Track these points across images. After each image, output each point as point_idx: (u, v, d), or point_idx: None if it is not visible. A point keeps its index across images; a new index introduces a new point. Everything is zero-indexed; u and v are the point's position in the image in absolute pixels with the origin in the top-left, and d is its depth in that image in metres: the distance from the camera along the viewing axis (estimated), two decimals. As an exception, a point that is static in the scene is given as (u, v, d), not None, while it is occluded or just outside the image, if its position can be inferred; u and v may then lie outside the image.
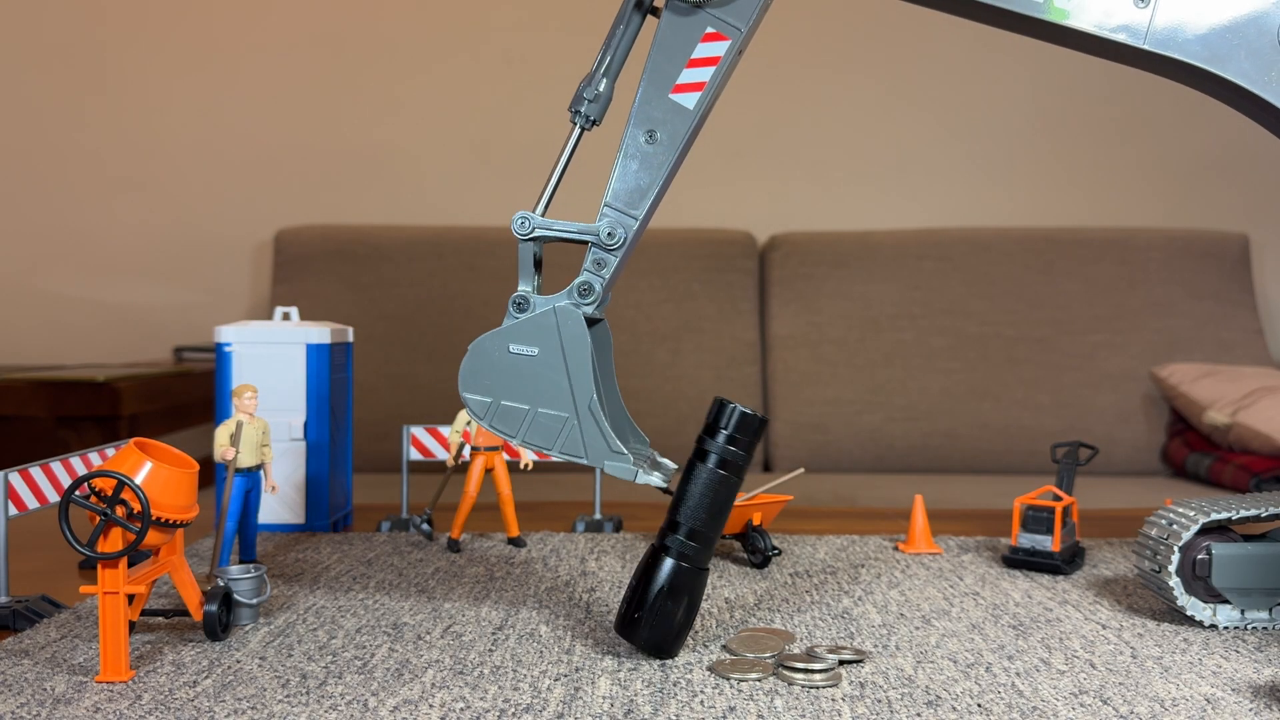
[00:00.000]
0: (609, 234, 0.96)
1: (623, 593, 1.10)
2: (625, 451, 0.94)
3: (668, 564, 0.90)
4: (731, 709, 0.79)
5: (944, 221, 3.06)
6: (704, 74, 0.97)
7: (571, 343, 0.95)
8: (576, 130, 1.00)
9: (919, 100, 3.16)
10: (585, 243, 0.97)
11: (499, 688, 0.83)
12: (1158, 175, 3.18)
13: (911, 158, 3.20)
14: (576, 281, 0.97)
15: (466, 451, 1.30)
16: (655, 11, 0.99)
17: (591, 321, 1.00)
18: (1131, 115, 3.16)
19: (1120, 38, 0.96)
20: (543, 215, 0.98)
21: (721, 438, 0.92)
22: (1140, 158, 3.18)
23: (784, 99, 3.17)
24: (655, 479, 0.96)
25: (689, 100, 0.97)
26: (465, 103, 3.19)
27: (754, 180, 3.20)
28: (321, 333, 1.39)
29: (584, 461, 0.95)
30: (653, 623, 0.89)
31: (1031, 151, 3.19)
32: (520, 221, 0.97)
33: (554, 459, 0.97)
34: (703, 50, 0.97)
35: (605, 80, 0.99)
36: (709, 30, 0.96)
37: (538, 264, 0.99)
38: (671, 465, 1.04)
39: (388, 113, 3.21)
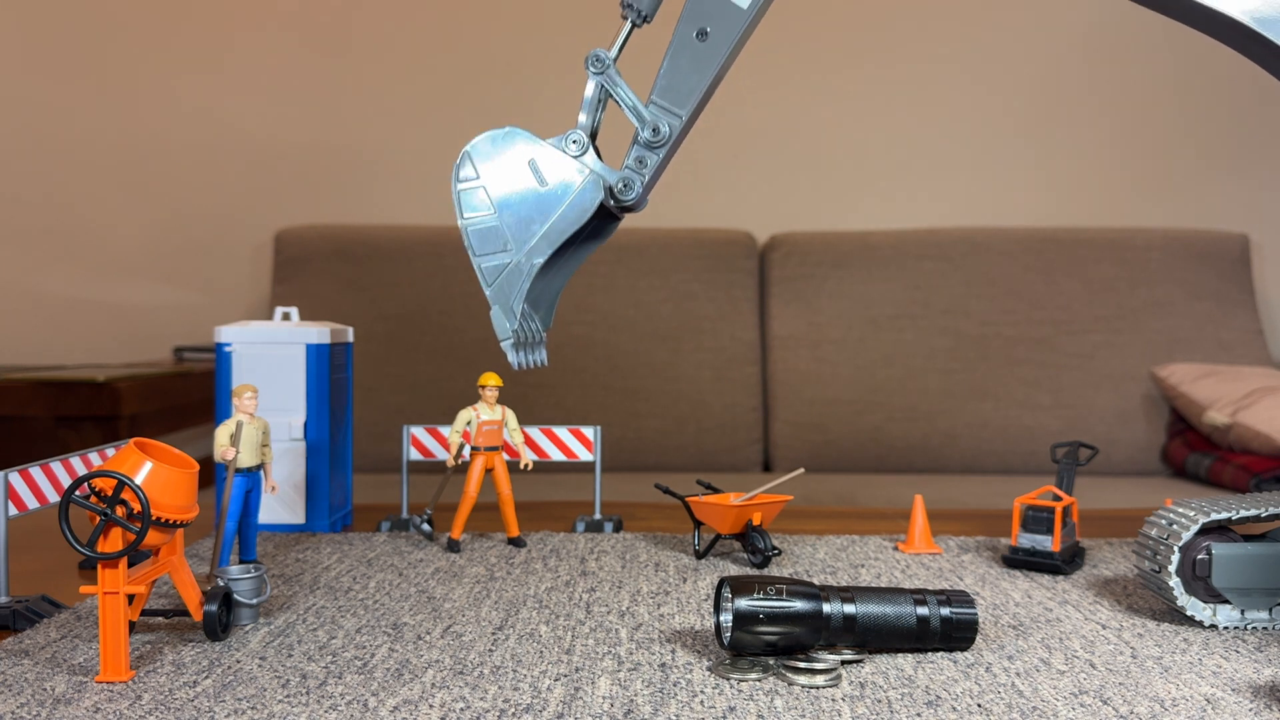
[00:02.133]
0: (654, 129, 0.95)
1: (622, 592, 1.10)
2: (516, 317, 0.97)
3: None
4: (731, 709, 0.79)
5: (944, 221, 3.06)
6: None
7: (572, 209, 0.95)
8: (627, 26, 0.98)
9: (919, 100, 3.16)
10: (633, 122, 0.96)
11: (499, 688, 0.83)
12: (1158, 175, 3.18)
13: (911, 158, 3.20)
14: (618, 175, 0.96)
15: (466, 452, 1.30)
16: None
17: (610, 214, 0.99)
18: (1132, 115, 3.16)
19: None
20: (614, 60, 0.97)
21: None
22: (1140, 158, 3.18)
23: (784, 99, 3.17)
24: (513, 355, 0.98)
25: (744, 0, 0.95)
26: (465, 103, 3.19)
27: (754, 180, 3.20)
28: (321, 333, 1.39)
29: (484, 289, 0.97)
30: None
31: (1031, 151, 3.19)
32: (594, 60, 0.96)
33: (473, 264, 0.97)
34: None
35: None
36: None
37: (603, 104, 0.98)
38: (544, 359, 1.05)
39: (388, 113, 3.21)
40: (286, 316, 1.42)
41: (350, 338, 1.48)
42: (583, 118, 0.97)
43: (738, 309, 2.89)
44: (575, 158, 0.96)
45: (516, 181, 0.95)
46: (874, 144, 3.20)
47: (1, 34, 3.20)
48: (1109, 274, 2.86)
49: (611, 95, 0.97)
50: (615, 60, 0.98)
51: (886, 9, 3.17)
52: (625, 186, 0.96)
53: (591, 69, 0.97)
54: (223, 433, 1.14)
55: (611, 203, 0.97)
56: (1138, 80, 3.16)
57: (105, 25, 3.20)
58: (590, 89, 0.97)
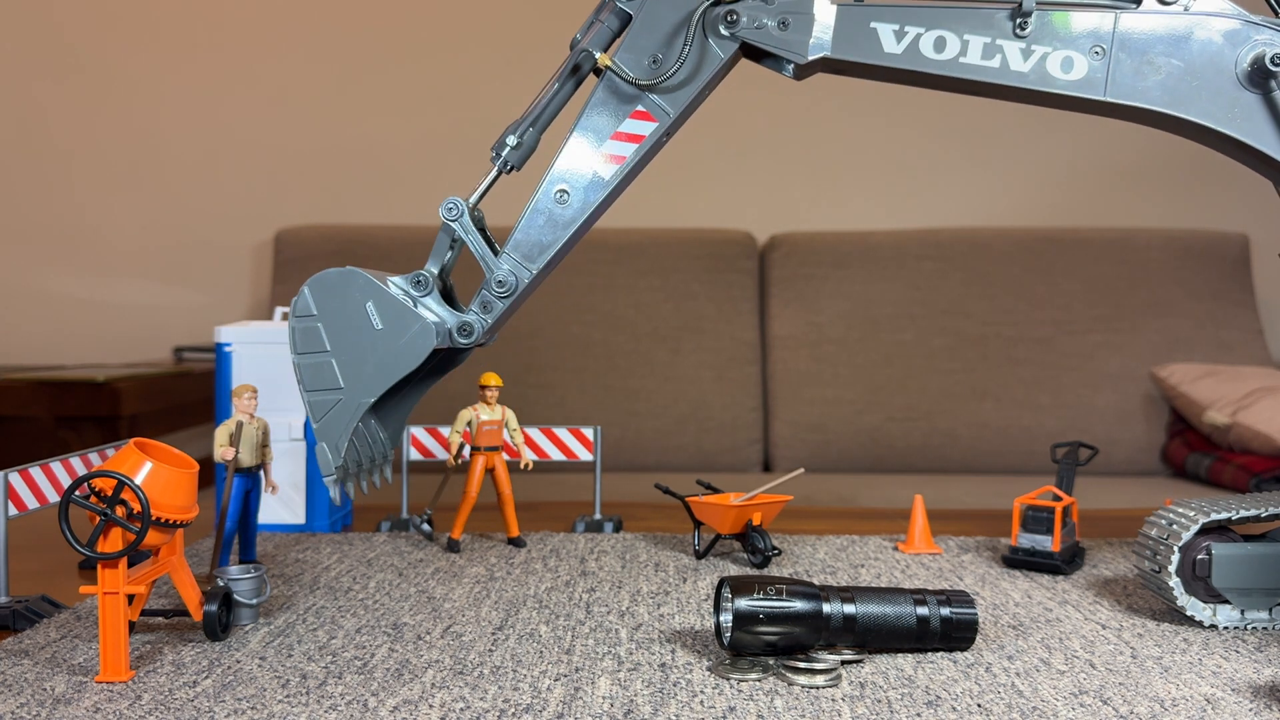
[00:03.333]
0: (500, 282, 0.98)
1: (622, 592, 1.10)
2: (341, 456, 0.97)
3: None
4: (731, 709, 0.79)
5: (944, 221, 3.06)
6: (626, 148, 0.99)
7: (402, 355, 0.97)
8: (494, 171, 1.01)
9: (919, 100, 3.15)
10: (481, 269, 0.99)
11: (499, 688, 0.83)
12: (1158, 175, 3.18)
13: (911, 158, 3.20)
14: (461, 318, 0.99)
15: (466, 452, 1.30)
16: (597, 72, 1.00)
17: (460, 349, 1.01)
18: (1131, 115, 3.16)
19: (1080, 93, 0.97)
20: (473, 209, 0.99)
21: None
22: (1140, 158, 3.18)
23: (784, 99, 3.16)
24: (334, 491, 0.99)
25: (607, 170, 0.99)
26: (465, 103, 3.18)
27: (754, 180, 3.20)
28: (321, 333, 1.39)
29: (311, 425, 0.98)
30: None
31: (1031, 151, 3.19)
32: (449, 207, 0.99)
33: (301, 398, 0.98)
34: (630, 126, 0.99)
35: (532, 130, 1.00)
36: (639, 108, 0.99)
37: (455, 250, 1.01)
38: (384, 478, 1.07)
39: (388, 113, 3.20)
40: (286, 317, 1.42)
41: (350, 338, 1.48)
42: (431, 263, 1.00)
43: (738, 309, 2.89)
44: (416, 300, 0.98)
45: (352, 322, 0.97)
46: (874, 144, 3.20)
47: (1, 34, 3.20)
48: (1109, 274, 2.86)
49: (463, 241, 0.99)
50: (477, 204, 1.00)
51: (886, 9, 3.17)
52: (465, 331, 0.98)
53: (445, 215, 0.99)
54: (222, 433, 1.14)
55: (449, 345, 0.99)
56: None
57: (105, 25, 3.20)
58: (441, 235, 1.00)
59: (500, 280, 0.98)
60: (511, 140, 1.00)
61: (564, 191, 0.99)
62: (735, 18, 0.98)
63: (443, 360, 1.04)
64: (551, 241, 0.99)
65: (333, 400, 0.97)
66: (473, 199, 1.00)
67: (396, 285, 0.99)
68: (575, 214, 0.99)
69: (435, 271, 0.99)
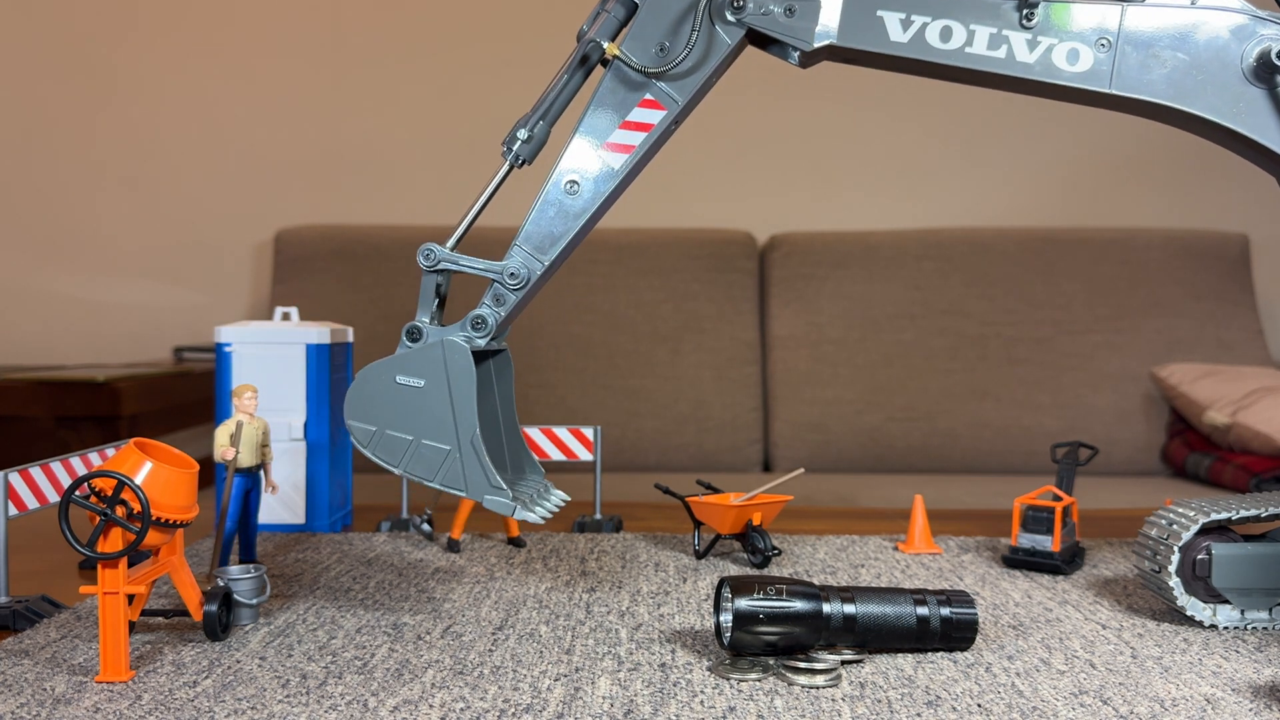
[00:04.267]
0: (512, 274, 0.98)
1: (622, 592, 1.10)
2: (505, 486, 0.95)
3: None
4: (731, 709, 0.79)
5: (944, 221, 3.06)
6: (635, 137, 0.99)
7: (457, 376, 0.96)
8: (505, 166, 1.01)
9: (919, 100, 3.16)
10: (490, 280, 0.99)
11: (499, 688, 0.83)
12: (1158, 175, 3.18)
13: (911, 158, 3.20)
14: (471, 314, 0.98)
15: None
16: (605, 62, 1.00)
17: (491, 352, 1.01)
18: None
19: (1085, 85, 0.97)
20: (453, 249, 0.99)
21: None
22: (1140, 158, 3.18)
23: (784, 99, 3.17)
24: (533, 515, 0.97)
25: (616, 160, 0.98)
26: (465, 103, 3.19)
27: (754, 180, 3.20)
28: (321, 333, 1.39)
29: (464, 495, 0.96)
30: None
31: (1031, 151, 3.19)
32: (425, 254, 0.99)
33: (434, 488, 0.97)
34: (638, 115, 0.99)
35: (542, 123, 1.00)
36: (648, 97, 0.98)
37: (441, 296, 1.01)
38: (563, 496, 1.05)
39: (387, 113, 3.20)
40: (286, 316, 1.42)
41: (350, 338, 1.48)
42: (421, 314, 1.00)
43: (738, 309, 2.89)
44: (424, 345, 0.98)
45: (401, 403, 0.96)
46: (874, 144, 3.20)
47: (1, 34, 3.20)
48: (1109, 274, 2.86)
49: (458, 273, 0.99)
50: (454, 246, 0.99)
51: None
52: (478, 324, 0.98)
53: (424, 263, 0.99)
54: (223, 433, 1.14)
55: (481, 344, 0.98)
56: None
57: (105, 25, 3.20)
58: (425, 283, 1.00)
59: (513, 272, 0.98)
60: (522, 134, 1.00)
61: (574, 182, 0.98)
62: (741, 4, 0.98)
63: (491, 365, 1.04)
64: (563, 232, 0.99)
65: (454, 462, 0.96)
66: (450, 242, 1.00)
67: (400, 350, 0.98)
68: (586, 204, 0.98)
69: (426, 320, 0.99)
